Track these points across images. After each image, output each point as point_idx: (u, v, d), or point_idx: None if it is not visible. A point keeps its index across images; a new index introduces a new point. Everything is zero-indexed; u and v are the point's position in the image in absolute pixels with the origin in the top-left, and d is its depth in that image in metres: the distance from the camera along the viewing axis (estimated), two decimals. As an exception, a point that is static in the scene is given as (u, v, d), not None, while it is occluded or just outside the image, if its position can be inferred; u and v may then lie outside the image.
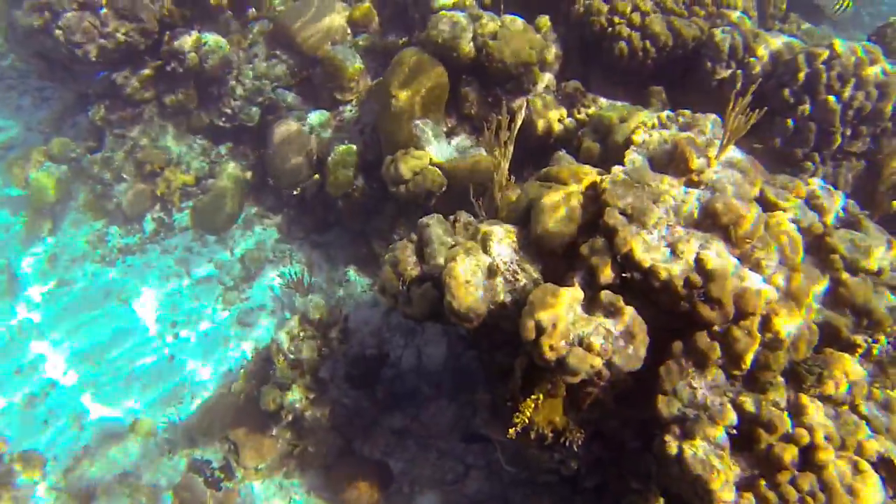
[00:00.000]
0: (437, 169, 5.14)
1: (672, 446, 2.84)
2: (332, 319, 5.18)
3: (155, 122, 6.86)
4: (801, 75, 4.54)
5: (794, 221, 3.38)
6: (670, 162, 3.28)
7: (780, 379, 3.04)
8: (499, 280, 3.12)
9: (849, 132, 4.62)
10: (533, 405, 3.04)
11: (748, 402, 2.87)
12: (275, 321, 6.33)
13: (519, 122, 3.84)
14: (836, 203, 3.90)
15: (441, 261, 3.46)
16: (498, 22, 5.19)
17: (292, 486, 5.27)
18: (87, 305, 6.44)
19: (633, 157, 3.31)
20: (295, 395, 4.97)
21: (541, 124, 5.22)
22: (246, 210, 7.09)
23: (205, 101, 6.97)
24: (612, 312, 2.76)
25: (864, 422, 3.10)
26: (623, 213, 2.92)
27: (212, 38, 6.56)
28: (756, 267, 2.90)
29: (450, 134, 5.52)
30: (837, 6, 5.86)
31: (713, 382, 2.91)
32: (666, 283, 2.78)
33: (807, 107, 4.55)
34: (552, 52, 5.45)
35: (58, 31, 5.93)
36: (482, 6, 5.84)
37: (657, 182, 3.07)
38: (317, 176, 6.41)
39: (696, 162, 3.20)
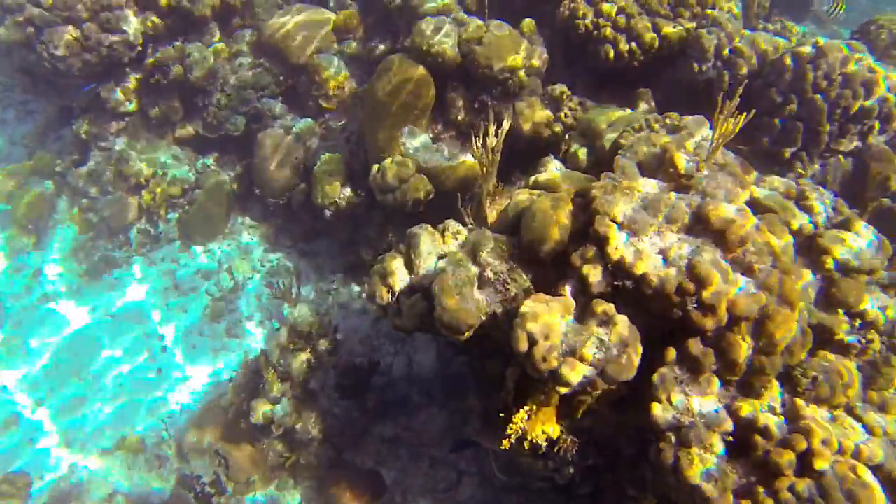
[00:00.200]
0: (424, 176, 5.09)
1: (668, 455, 2.80)
2: (321, 330, 5.11)
3: (140, 135, 6.77)
4: (788, 75, 4.53)
5: (784, 223, 3.36)
6: (660, 167, 3.25)
7: (776, 383, 3.01)
8: (489, 290, 3.07)
9: (836, 130, 4.62)
10: (526, 415, 2.99)
11: (744, 408, 2.84)
12: (263, 332, 6.25)
13: (506, 128, 3.80)
14: (826, 203, 3.89)
15: (431, 272, 3.40)
16: (483, 27, 5.15)
17: (284, 498, 5.19)
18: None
19: (622, 162, 3.27)
20: (285, 408, 4.89)
21: (528, 128, 5.19)
22: (233, 220, 7.01)
23: (190, 111, 6.90)
24: (605, 321, 2.72)
25: (860, 424, 3.08)
26: (614, 220, 2.88)
27: (196, 49, 6.49)
28: (748, 271, 2.87)
29: (436, 140, 5.47)
30: (831, 10, 5.90)
31: (708, 389, 2.87)
32: (658, 290, 2.74)
33: (794, 106, 4.55)
34: (538, 55, 5.42)
35: (41, 46, 5.85)
36: (467, 11, 5.80)
37: (647, 188, 3.04)
38: (303, 185, 6.34)
39: (686, 166, 3.17)
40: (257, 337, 6.23)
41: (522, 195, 3.26)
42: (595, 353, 2.65)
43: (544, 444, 3.13)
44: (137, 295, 6.51)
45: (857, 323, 3.47)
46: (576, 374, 2.61)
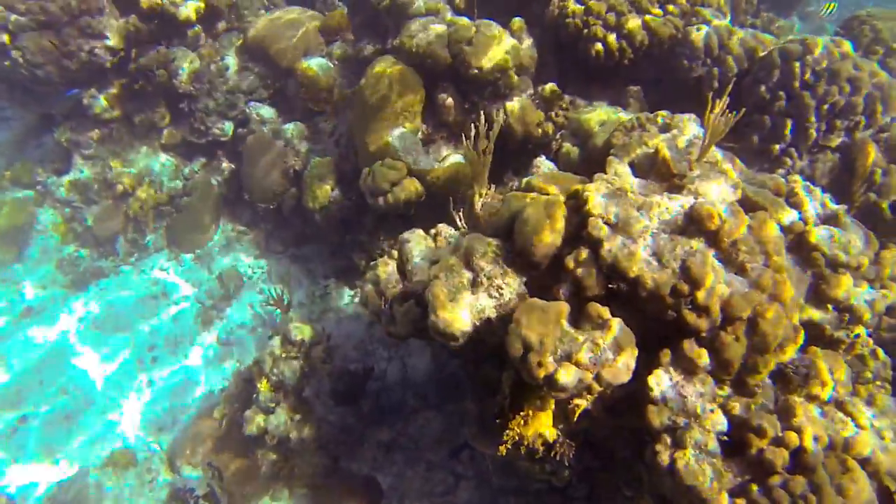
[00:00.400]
0: (415, 179, 5.06)
1: (664, 456, 2.81)
2: (315, 338, 5.06)
3: (125, 142, 6.67)
4: (776, 71, 4.55)
5: (775, 220, 3.37)
6: (652, 167, 3.25)
7: (769, 381, 3.02)
8: (483, 296, 3.05)
9: (824, 127, 4.65)
10: (522, 421, 2.98)
11: (737, 408, 2.85)
12: (255, 340, 6.18)
13: (497, 130, 3.77)
14: (815, 200, 3.91)
15: (424, 277, 3.38)
16: (472, 27, 5.12)
17: (281, 508, 5.15)
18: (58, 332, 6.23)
19: (614, 164, 3.27)
20: (279, 418, 4.84)
21: (519, 128, 5.17)
22: (222, 226, 6.93)
23: (176, 117, 6.80)
24: (600, 325, 2.71)
25: (850, 419, 3.11)
26: (607, 223, 2.88)
27: (181, 54, 6.40)
28: (741, 271, 2.87)
29: (427, 141, 5.44)
30: (824, 10, 5.96)
31: (702, 389, 2.87)
32: (652, 292, 2.74)
33: (783, 102, 4.57)
34: (528, 55, 5.40)
35: (15, 52, 5.73)
36: (455, 10, 5.77)
37: (640, 189, 3.03)
38: (293, 189, 6.29)
39: (678, 166, 3.17)
40: (249, 345, 6.13)
41: (515, 199, 3.24)
42: (590, 358, 2.64)
43: (541, 449, 3.12)
44: (126, 306, 6.41)
45: (846, 318, 3.50)
46: (571, 379, 2.59)
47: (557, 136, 5.08)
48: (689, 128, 3.72)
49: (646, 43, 5.02)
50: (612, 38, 5.01)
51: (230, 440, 5.14)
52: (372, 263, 3.56)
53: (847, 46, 4.61)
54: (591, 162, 4.27)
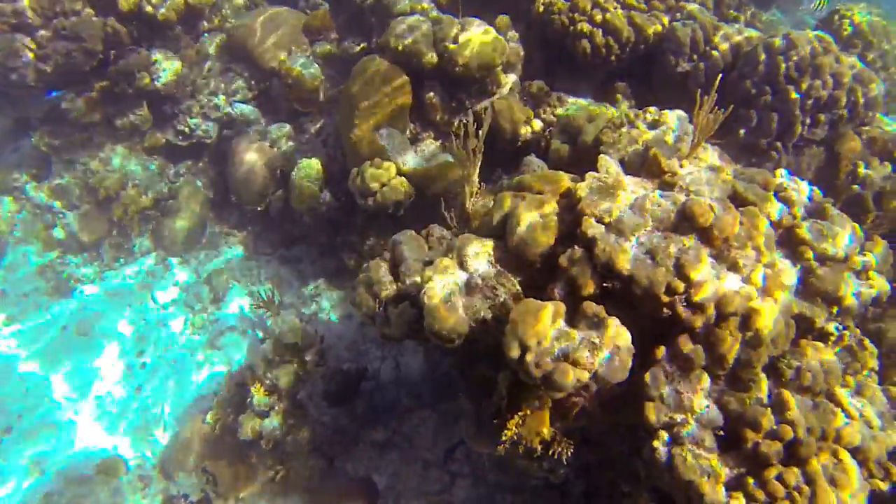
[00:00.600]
0: (404, 179, 5.03)
1: (661, 452, 2.83)
2: (307, 341, 5.02)
3: (106, 146, 6.53)
4: (761, 66, 4.59)
5: (765, 215, 3.41)
6: (643, 164, 3.26)
7: (762, 375, 3.06)
8: (478, 296, 3.04)
9: (808, 121, 4.70)
10: (520, 421, 2.98)
11: (733, 402, 2.88)
12: (246, 343, 6.12)
13: (486, 128, 3.76)
14: (803, 194, 3.96)
15: (417, 279, 3.36)
16: (458, 25, 5.10)
17: (276, 512, 5.11)
18: (43, 339, 6.10)
19: (605, 161, 3.27)
20: (274, 422, 4.80)
21: (507, 127, 5.16)
22: (209, 229, 6.83)
23: (159, 119, 6.68)
24: (596, 324, 2.71)
25: (840, 410, 3.16)
26: (600, 221, 2.88)
27: (162, 55, 6.28)
28: (734, 267, 2.90)
29: (415, 141, 5.41)
30: (816, 6, 6.02)
31: (698, 385, 2.90)
32: (647, 289, 2.75)
33: (768, 97, 4.62)
34: (514, 52, 5.39)
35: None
36: (440, 8, 5.73)
37: (632, 187, 3.04)
38: (280, 191, 6.22)
39: (668, 163, 3.18)
40: (240, 349, 6.07)
41: (507, 198, 3.23)
42: (587, 356, 2.65)
43: (539, 448, 3.13)
44: (113, 312, 6.31)
45: (835, 310, 3.56)
46: (569, 378, 2.60)
47: (546, 133, 5.08)
48: (677, 123, 3.75)
49: (632, 39, 5.04)
50: (598, 34, 5.02)
51: (224, 445, 5.09)
52: (364, 266, 3.53)
53: (829, 41, 4.67)
54: (581, 159, 4.28)
